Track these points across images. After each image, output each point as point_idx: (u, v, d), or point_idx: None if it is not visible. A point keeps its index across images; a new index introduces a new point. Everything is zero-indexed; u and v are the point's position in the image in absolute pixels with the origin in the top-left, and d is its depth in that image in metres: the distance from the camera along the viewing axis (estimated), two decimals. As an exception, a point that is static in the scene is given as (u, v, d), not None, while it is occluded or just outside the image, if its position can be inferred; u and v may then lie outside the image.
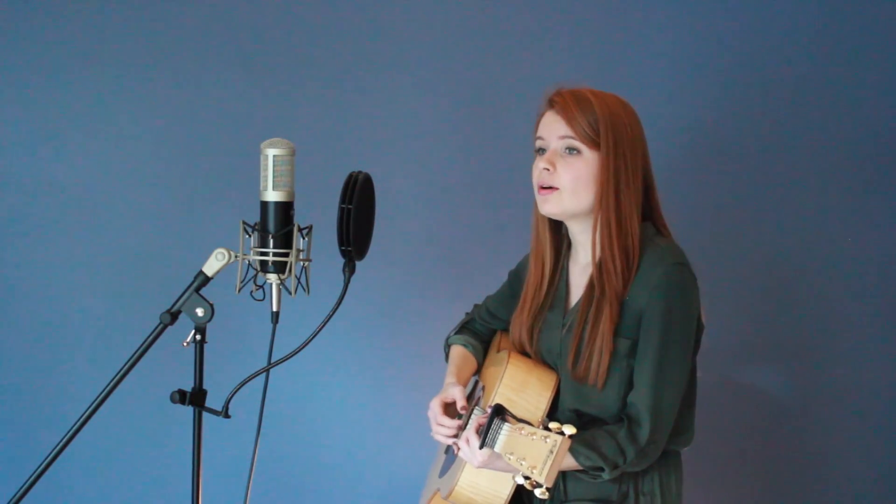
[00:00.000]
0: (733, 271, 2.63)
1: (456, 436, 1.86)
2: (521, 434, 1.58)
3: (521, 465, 1.55)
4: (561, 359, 1.89)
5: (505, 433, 1.61)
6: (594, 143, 1.80)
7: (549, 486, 1.53)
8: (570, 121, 1.81)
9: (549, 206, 1.85)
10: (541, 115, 1.90)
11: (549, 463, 1.52)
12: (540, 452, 1.53)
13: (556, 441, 1.53)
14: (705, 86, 2.64)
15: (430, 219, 2.70)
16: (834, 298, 2.67)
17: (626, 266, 1.81)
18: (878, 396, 2.69)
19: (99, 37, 2.64)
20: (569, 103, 1.82)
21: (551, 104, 1.87)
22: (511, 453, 1.58)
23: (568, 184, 1.82)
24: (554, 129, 1.84)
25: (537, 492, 1.55)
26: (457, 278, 2.67)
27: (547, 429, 1.56)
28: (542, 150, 1.87)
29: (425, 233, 2.70)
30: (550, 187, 1.84)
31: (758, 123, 2.65)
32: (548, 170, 1.83)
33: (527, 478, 1.56)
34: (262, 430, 1.88)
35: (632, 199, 1.82)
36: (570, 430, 1.54)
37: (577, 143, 1.81)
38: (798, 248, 2.66)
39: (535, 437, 1.56)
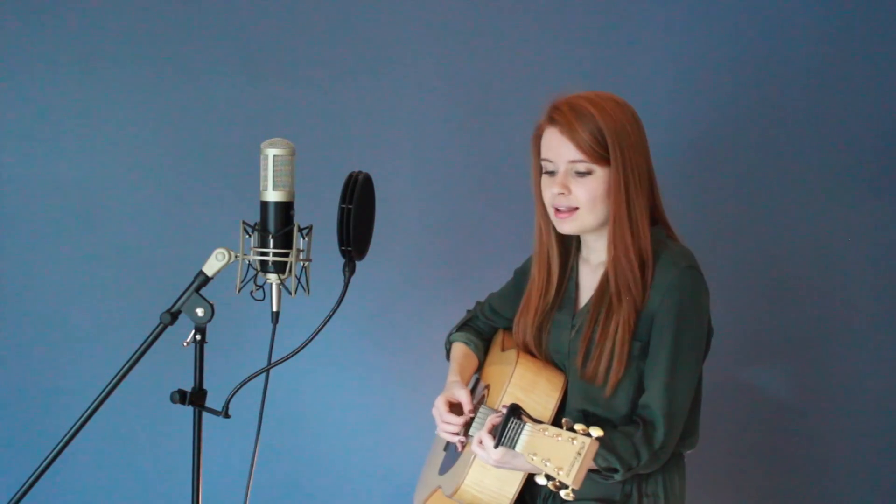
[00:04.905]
0: (733, 271, 2.63)
1: (461, 433, 1.86)
2: (544, 434, 1.57)
3: (546, 465, 1.55)
4: (569, 360, 1.89)
5: (527, 433, 1.60)
6: (604, 160, 1.78)
7: (577, 487, 1.53)
8: (577, 143, 1.78)
9: (568, 227, 1.84)
10: (540, 130, 1.87)
11: (577, 465, 1.52)
12: (567, 454, 1.53)
13: (583, 443, 1.52)
14: (706, 86, 2.64)
15: (430, 219, 2.70)
16: (834, 298, 2.67)
17: (643, 273, 1.80)
18: (880, 396, 2.68)
19: (99, 37, 2.64)
20: (571, 121, 1.79)
21: (552, 121, 1.83)
22: (534, 454, 1.57)
23: (586, 203, 1.81)
24: (562, 154, 1.81)
25: (562, 493, 1.54)
26: (457, 278, 2.67)
27: (572, 430, 1.56)
28: (551, 172, 1.84)
29: (425, 233, 2.70)
30: (568, 209, 1.83)
31: (758, 124, 2.65)
32: (563, 194, 1.82)
33: (550, 478, 1.56)
34: (261, 430, 1.88)
35: (642, 205, 1.81)
36: (597, 432, 1.54)
37: (588, 166, 1.79)
38: (798, 248, 2.66)
39: (560, 438, 1.55)
